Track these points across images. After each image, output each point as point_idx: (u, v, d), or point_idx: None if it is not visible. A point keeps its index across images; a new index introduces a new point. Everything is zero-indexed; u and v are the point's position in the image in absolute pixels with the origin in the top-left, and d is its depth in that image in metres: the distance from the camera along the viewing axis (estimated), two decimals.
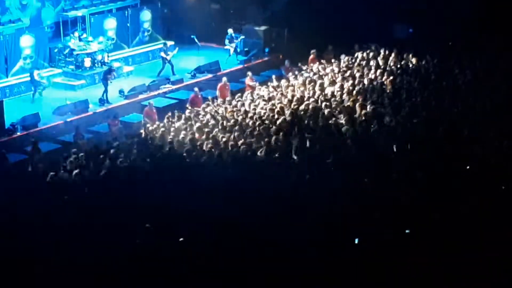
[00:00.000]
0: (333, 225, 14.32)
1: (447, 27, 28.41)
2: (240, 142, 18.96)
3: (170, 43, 31.26)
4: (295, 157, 17.91)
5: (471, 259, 13.24)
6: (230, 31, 31.68)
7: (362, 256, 13.61)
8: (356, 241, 13.94)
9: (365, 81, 23.95)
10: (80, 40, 29.14)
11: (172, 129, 21.17)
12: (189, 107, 23.97)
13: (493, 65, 24.99)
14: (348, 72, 25.15)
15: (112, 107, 26.20)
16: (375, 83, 23.81)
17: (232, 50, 31.51)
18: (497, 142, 18.04)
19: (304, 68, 27.03)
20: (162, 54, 29.93)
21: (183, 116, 22.30)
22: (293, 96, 23.02)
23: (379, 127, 19.70)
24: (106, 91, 26.80)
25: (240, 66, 30.93)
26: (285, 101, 22.54)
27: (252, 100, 23.25)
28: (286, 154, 18.16)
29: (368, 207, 14.93)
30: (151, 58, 31.77)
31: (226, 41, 31.61)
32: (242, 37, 31.86)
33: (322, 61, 27.40)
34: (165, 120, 22.33)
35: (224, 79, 26.78)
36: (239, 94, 24.48)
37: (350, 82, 23.72)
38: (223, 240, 14.07)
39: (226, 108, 22.63)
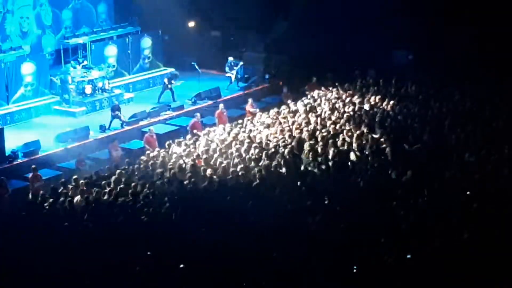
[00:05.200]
0: (334, 250, 14.30)
1: (447, 54, 28.51)
2: (239, 168, 18.96)
3: (171, 69, 31.44)
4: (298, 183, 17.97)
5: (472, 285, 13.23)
6: (230, 58, 31.82)
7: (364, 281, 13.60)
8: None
9: (366, 107, 24.03)
10: (81, 67, 29.21)
11: (173, 155, 21.17)
12: (190, 132, 24.06)
13: (492, 92, 25.02)
14: (348, 99, 25.24)
15: (113, 134, 26.21)
16: (375, 109, 23.88)
17: (233, 77, 31.61)
18: (497, 169, 18.05)
19: (304, 96, 27.08)
20: (165, 80, 30.00)
21: (183, 142, 22.31)
22: (293, 123, 23.07)
23: (379, 155, 19.73)
24: (111, 121, 26.87)
25: (241, 93, 31.00)
26: (285, 128, 22.57)
27: (253, 127, 23.33)
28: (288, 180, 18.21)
29: (370, 233, 14.92)
30: (151, 85, 31.81)
31: (227, 69, 31.72)
32: (241, 63, 31.98)
33: (322, 87, 27.48)
34: (166, 147, 22.34)
35: (221, 105, 26.88)
36: (239, 121, 24.53)
37: (351, 108, 23.81)
38: (223, 266, 14.05)
39: (228, 133, 22.67)
